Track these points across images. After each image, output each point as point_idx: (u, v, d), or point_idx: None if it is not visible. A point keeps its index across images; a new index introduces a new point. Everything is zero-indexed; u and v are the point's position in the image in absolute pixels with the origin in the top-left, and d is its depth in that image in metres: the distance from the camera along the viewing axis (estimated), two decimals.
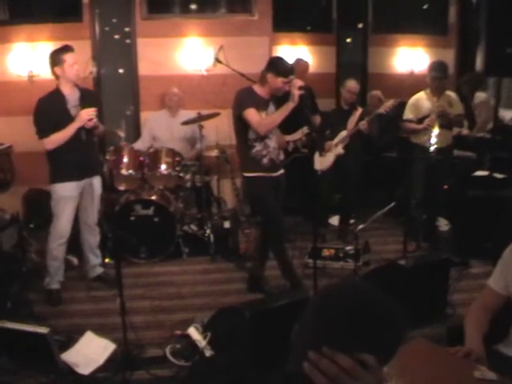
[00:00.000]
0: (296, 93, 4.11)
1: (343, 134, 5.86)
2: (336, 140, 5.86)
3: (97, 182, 4.69)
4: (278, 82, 4.25)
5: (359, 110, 5.95)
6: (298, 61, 6.67)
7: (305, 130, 5.85)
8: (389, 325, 1.24)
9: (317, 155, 5.90)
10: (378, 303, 1.25)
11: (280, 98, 4.42)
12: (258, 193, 4.46)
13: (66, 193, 4.44)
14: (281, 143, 5.90)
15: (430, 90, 5.37)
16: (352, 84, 5.90)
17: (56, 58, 4.30)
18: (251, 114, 4.23)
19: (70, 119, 4.31)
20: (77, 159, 4.40)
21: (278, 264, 4.63)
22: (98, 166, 4.81)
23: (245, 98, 4.30)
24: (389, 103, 5.63)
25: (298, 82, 4.16)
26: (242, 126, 4.34)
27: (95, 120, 4.38)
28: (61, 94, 4.36)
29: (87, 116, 4.28)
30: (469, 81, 6.96)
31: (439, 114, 5.20)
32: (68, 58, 4.29)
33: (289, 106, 4.16)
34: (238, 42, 6.24)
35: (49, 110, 4.30)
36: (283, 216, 4.58)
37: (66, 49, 4.32)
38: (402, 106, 5.81)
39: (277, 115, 4.27)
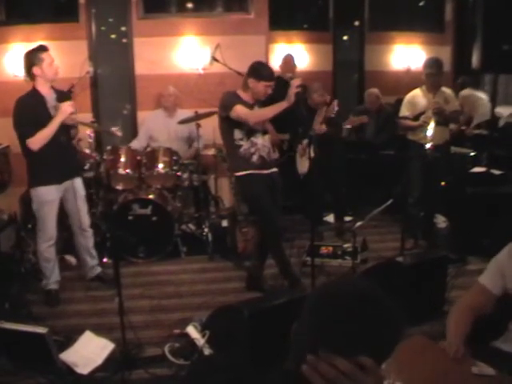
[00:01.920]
0: (292, 93, 4.11)
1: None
2: (306, 142, 5.83)
3: (78, 183, 4.60)
4: (259, 86, 4.31)
5: (324, 107, 5.91)
6: (286, 56, 6.61)
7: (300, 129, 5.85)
8: (386, 323, 1.24)
9: (298, 157, 5.90)
10: (375, 302, 1.25)
11: (275, 99, 4.42)
12: (251, 191, 4.48)
13: (49, 197, 4.36)
14: (274, 141, 5.89)
15: (426, 87, 5.38)
16: (319, 93, 5.85)
17: (34, 58, 4.22)
18: (239, 108, 4.26)
19: (51, 119, 4.25)
20: (56, 161, 4.31)
21: (275, 262, 4.64)
22: (77, 167, 4.74)
23: (230, 99, 4.34)
24: (334, 105, 5.54)
25: (297, 82, 4.16)
26: (227, 126, 4.39)
27: (76, 118, 4.36)
28: (39, 94, 4.29)
29: (69, 108, 4.25)
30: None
31: (435, 110, 5.20)
32: (46, 57, 4.23)
33: (282, 105, 4.18)
34: (234, 40, 6.23)
35: (29, 109, 4.23)
36: (280, 214, 4.58)
37: (42, 48, 4.26)
38: (398, 104, 5.82)
39: (269, 109, 4.29)
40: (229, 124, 4.37)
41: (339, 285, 1.35)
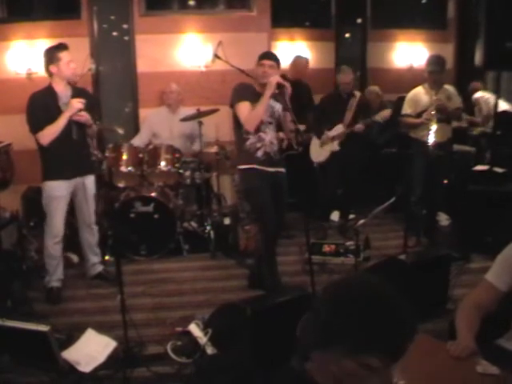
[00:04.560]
0: (272, 80, 4.14)
1: (339, 128, 5.88)
2: (333, 133, 5.86)
3: (89, 181, 4.64)
4: (257, 68, 4.34)
5: (357, 96, 6.03)
6: (296, 58, 6.67)
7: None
8: (397, 324, 1.22)
9: (313, 146, 5.91)
10: (386, 302, 1.23)
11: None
12: (250, 186, 4.45)
13: (57, 192, 4.42)
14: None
15: (428, 85, 5.36)
16: (343, 77, 6.02)
17: (52, 56, 4.29)
18: (241, 109, 4.28)
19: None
20: (67, 158, 4.37)
21: (263, 259, 4.59)
22: (90, 165, 4.75)
23: (240, 91, 4.36)
24: (386, 113, 5.65)
25: (276, 79, 4.17)
26: (235, 117, 4.39)
27: (86, 115, 4.37)
28: (53, 90, 4.35)
29: (77, 104, 4.27)
30: None
31: (437, 108, 5.19)
32: (64, 56, 4.28)
33: (267, 95, 4.18)
34: (236, 38, 6.22)
35: (41, 105, 4.29)
36: (282, 216, 4.56)
37: (61, 47, 4.30)
38: (400, 101, 5.81)
39: (258, 107, 4.24)
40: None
41: (349, 284, 1.33)
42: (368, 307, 1.20)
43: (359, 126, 5.80)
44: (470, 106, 7.23)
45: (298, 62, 6.65)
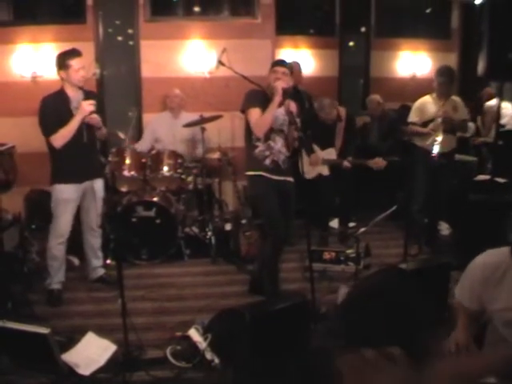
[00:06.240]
0: (277, 86, 4.17)
1: (332, 153, 5.85)
2: (324, 155, 5.83)
3: (98, 184, 4.68)
4: (269, 76, 4.36)
5: (343, 120, 5.90)
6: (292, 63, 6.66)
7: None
8: (416, 320, 1.30)
9: (305, 162, 5.88)
10: (406, 301, 1.31)
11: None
12: (257, 192, 4.47)
13: (65, 195, 4.44)
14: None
15: (436, 95, 5.38)
16: (326, 114, 5.79)
17: (62, 62, 4.32)
18: (252, 115, 4.29)
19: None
20: (78, 161, 4.41)
21: (264, 265, 4.58)
22: (99, 168, 4.81)
23: (251, 97, 4.36)
24: (381, 162, 5.52)
25: (281, 84, 4.19)
26: (248, 125, 4.39)
27: (97, 117, 4.41)
28: (64, 94, 4.39)
29: (89, 107, 4.30)
30: None
31: (444, 120, 5.21)
32: (74, 63, 4.30)
33: (275, 101, 4.20)
34: (240, 44, 6.25)
35: (53, 108, 4.33)
36: (290, 223, 4.56)
37: (72, 53, 4.33)
38: (402, 110, 5.82)
39: (266, 113, 4.25)
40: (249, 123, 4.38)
41: (374, 284, 1.39)
42: (390, 307, 1.25)
43: (347, 165, 5.67)
44: (480, 112, 7.28)
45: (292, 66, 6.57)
